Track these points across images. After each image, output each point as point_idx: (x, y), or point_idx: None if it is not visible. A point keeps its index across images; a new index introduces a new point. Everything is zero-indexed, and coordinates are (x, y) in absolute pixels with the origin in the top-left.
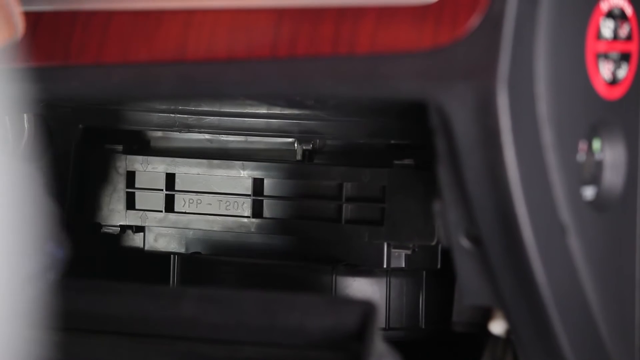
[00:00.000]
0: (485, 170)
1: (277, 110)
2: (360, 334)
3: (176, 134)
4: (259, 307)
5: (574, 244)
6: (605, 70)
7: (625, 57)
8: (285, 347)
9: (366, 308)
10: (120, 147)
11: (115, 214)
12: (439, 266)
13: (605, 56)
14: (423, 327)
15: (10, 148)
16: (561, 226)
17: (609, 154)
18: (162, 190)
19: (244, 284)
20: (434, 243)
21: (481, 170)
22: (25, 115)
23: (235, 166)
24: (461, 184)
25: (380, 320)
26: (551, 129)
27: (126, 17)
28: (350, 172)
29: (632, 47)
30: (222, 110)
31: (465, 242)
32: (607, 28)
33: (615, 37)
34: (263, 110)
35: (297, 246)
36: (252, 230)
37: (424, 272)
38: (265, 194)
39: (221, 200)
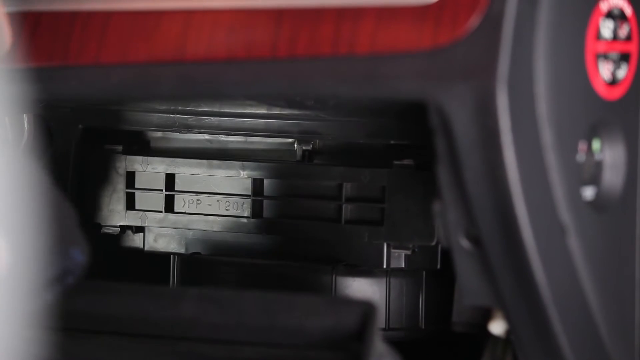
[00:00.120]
0: (485, 171)
1: (276, 111)
2: (360, 334)
3: (176, 134)
4: (259, 308)
5: (574, 244)
6: (605, 70)
7: (624, 57)
8: (285, 348)
9: (366, 308)
10: (120, 148)
11: (115, 215)
12: (438, 266)
13: (605, 56)
14: (423, 327)
15: (10, 148)
16: (561, 226)
17: (609, 154)
18: (161, 190)
19: (243, 284)
20: (433, 243)
21: (481, 171)
22: (25, 115)
23: (235, 166)
24: (461, 184)
25: (380, 320)
26: (551, 129)
27: (125, 17)
28: (350, 173)
29: (631, 48)
30: (221, 110)
31: (465, 243)
32: (606, 28)
33: (615, 37)
34: (263, 111)
35: (296, 246)
36: (252, 230)
37: (424, 273)
38: (265, 194)
39: (221, 201)
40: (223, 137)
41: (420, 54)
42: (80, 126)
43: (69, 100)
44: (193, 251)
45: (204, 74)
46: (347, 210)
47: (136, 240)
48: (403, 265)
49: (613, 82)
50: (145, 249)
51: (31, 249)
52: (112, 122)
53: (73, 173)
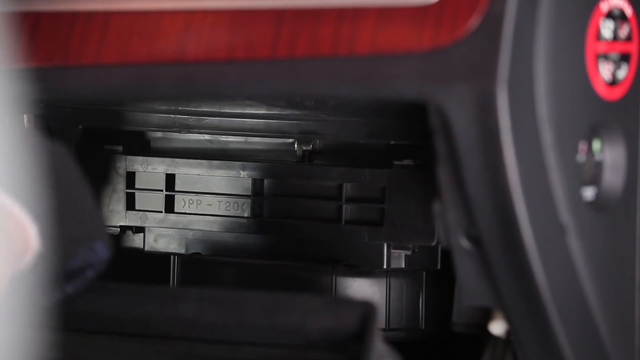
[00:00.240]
0: (485, 171)
1: (276, 111)
2: (360, 335)
3: (176, 135)
4: (259, 308)
5: (574, 244)
6: (605, 70)
7: (625, 57)
8: (285, 348)
9: (366, 309)
10: (120, 148)
11: (115, 215)
12: (438, 267)
13: (605, 57)
14: (423, 327)
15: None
16: (561, 227)
17: (609, 155)
18: (162, 190)
19: (243, 284)
20: (433, 243)
21: (481, 171)
22: (25, 115)
23: (235, 167)
24: (461, 185)
25: (380, 320)
26: (551, 130)
27: (126, 17)
28: (350, 173)
29: (632, 48)
30: (222, 110)
31: (465, 243)
32: (607, 29)
33: (615, 37)
34: (263, 111)
35: (297, 247)
36: (252, 230)
37: (424, 273)
38: (265, 194)
39: (221, 201)
40: (223, 138)
41: (420, 54)
42: (80, 126)
43: (69, 100)
44: (193, 251)
45: (204, 74)
46: (347, 210)
47: (136, 241)
48: (403, 266)
49: (613, 82)
50: (146, 249)
51: (56, 239)
52: (112, 122)
53: None
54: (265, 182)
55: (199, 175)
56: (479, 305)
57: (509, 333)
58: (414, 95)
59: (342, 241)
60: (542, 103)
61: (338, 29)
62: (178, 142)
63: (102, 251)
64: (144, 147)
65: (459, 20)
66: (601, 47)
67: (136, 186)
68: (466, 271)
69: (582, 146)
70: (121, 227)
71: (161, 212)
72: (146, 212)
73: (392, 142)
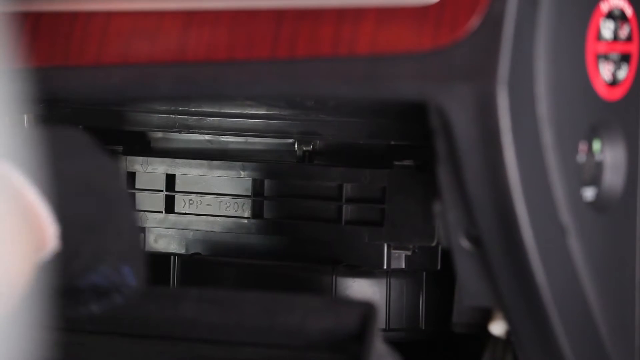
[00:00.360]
0: (485, 171)
1: (276, 111)
2: (360, 335)
3: (176, 135)
4: (259, 308)
5: (574, 244)
6: (606, 71)
7: (625, 58)
8: (285, 348)
9: (366, 309)
10: (120, 148)
11: None
12: (439, 267)
13: (606, 57)
14: (423, 328)
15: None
16: (561, 227)
17: (609, 155)
18: (162, 191)
19: (243, 284)
20: (434, 244)
21: (481, 171)
22: (25, 115)
23: (235, 167)
24: (461, 185)
25: (381, 321)
26: (551, 130)
27: (126, 17)
28: (350, 173)
29: (632, 48)
30: (222, 111)
31: (465, 243)
32: (607, 29)
33: (616, 38)
34: (263, 111)
35: (297, 247)
36: (252, 231)
37: (424, 273)
38: (265, 194)
39: (221, 201)
40: (223, 138)
41: (420, 54)
42: (80, 126)
43: (69, 100)
44: (193, 252)
45: (204, 74)
46: (347, 210)
47: None
48: (403, 266)
49: (613, 82)
50: (146, 249)
51: (80, 246)
52: (112, 123)
53: None
54: (266, 182)
55: (199, 175)
56: (479, 305)
57: (509, 333)
58: (414, 96)
59: (342, 241)
60: (543, 103)
61: (338, 29)
62: (178, 143)
63: (129, 277)
64: (144, 148)
65: (459, 21)
66: (601, 48)
67: (136, 186)
68: (466, 271)
69: (582, 146)
70: None
71: (161, 212)
72: (146, 213)
73: (393, 143)
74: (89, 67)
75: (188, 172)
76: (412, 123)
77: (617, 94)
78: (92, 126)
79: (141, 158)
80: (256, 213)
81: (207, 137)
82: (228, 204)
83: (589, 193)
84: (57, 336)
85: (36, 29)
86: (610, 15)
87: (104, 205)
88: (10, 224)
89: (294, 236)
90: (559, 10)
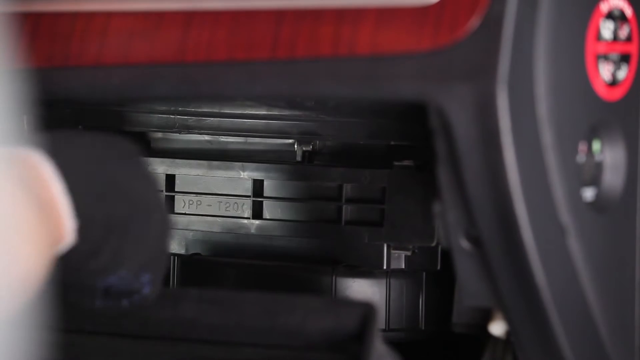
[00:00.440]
0: (485, 172)
1: (276, 112)
2: (360, 335)
3: (176, 135)
4: (259, 309)
5: (574, 245)
6: (605, 71)
7: (625, 58)
8: (285, 349)
9: (366, 309)
10: None
11: None
12: (438, 267)
13: (605, 57)
14: (423, 328)
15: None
16: (561, 227)
17: (609, 155)
18: (162, 191)
19: (243, 285)
20: (433, 244)
21: (481, 171)
22: (25, 115)
23: (235, 167)
24: (461, 185)
25: (380, 321)
26: (551, 130)
27: (126, 18)
28: (350, 173)
29: (632, 49)
30: (222, 111)
31: (465, 243)
32: (607, 29)
33: (615, 38)
34: (263, 112)
35: (297, 247)
36: (252, 231)
37: (424, 273)
38: (265, 195)
39: (221, 202)
40: (223, 138)
41: (420, 55)
42: (80, 126)
43: (69, 100)
44: (193, 252)
45: (204, 74)
46: (347, 211)
47: None
48: (403, 266)
49: (613, 83)
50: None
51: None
52: (112, 123)
53: None
54: (265, 182)
55: (199, 175)
56: (479, 305)
57: (508, 333)
58: (414, 96)
59: (342, 242)
60: (542, 103)
61: (338, 30)
62: (178, 143)
63: (146, 285)
64: (144, 148)
65: (459, 21)
66: (601, 48)
67: None
68: (466, 272)
69: (582, 147)
70: None
71: None
72: None
73: (392, 143)
74: (89, 67)
75: (188, 173)
76: (412, 123)
77: (616, 94)
78: (92, 126)
79: None
80: (256, 213)
81: (207, 137)
82: (228, 204)
83: (588, 193)
84: (58, 336)
85: (36, 30)
86: (610, 15)
87: (130, 209)
88: (31, 212)
89: (293, 236)
90: (558, 10)
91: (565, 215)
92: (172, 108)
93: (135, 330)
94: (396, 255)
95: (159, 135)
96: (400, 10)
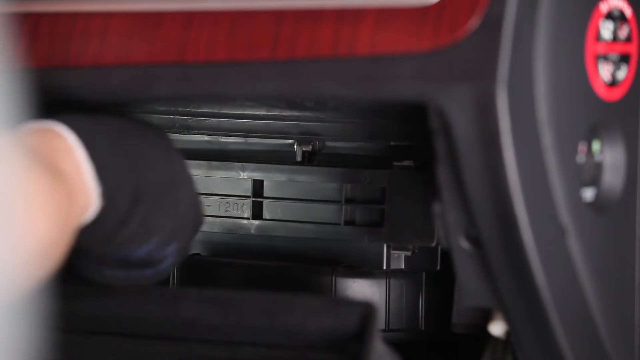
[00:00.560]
0: (485, 172)
1: (276, 112)
2: (360, 336)
3: (176, 136)
4: (259, 308)
5: (574, 245)
6: (605, 71)
7: (624, 58)
8: (285, 349)
9: (366, 309)
10: None
11: None
12: (438, 268)
13: (605, 58)
14: (423, 328)
15: None
16: (561, 228)
17: (609, 156)
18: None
19: (243, 285)
20: (433, 244)
21: (481, 172)
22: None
23: (235, 167)
24: (461, 186)
25: (380, 321)
26: (551, 131)
27: (126, 18)
28: (350, 174)
29: (631, 49)
30: (221, 111)
31: (464, 244)
32: (606, 29)
33: (615, 38)
34: (263, 112)
35: (296, 247)
36: (252, 231)
37: (424, 274)
38: (265, 195)
39: (221, 202)
40: (223, 138)
41: (420, 55)
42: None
43: (69, 101)
44: (193, 252)
45: (204, 75)
46: (347, 211)
47: None
48: (403, 267)
49: (613, 83)
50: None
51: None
52: None
53: None
54: (265, 183)
55: (198, 176)
56: (479, 306)
57: (508, 334)
58: (413, 96)
59: (342, 242)
60: (542, 104)
61: (338, 30)
62: (178, 143)
63: (171, 255)
64: None
65: (459, 21)
66: (601, 48)
67: None
68: (466, 272)
69: (582, 147)
70: None
71: None
72: None
73: (392, 143)
74: (89, 68)
75: None
76: (412, 123)
77: (616, 94)
78: None
79: None
80: (256, 214)
81: (206, 137)
82: (228, 205)
83: (588, 194)
84: (57, 336)
85: (36, 30)
86: (609, 15)
87: (157, 178)
88: (45, 181)
89: (293, 237)
90: (558, 10)
91: (565, 216)
92: (172, 108)
93: (135, 330)
94: (396, 255)
95: None
96: (400, 10)
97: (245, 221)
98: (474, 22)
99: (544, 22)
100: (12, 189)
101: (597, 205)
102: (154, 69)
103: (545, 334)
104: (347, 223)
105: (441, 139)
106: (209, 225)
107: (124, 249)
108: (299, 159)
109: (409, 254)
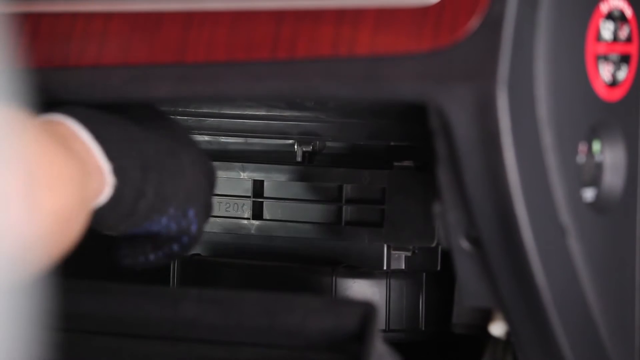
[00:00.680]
0: (485, 172)
1: (276, 112)
2: (360, 336)
3: None
4: (259, 309)
5: (574, 245)
6: (605, 72)
7: (625, 58)
8: (285, 349)
9: (366, 309)
10: None
11: None
12: (438, 268)
13: (605, 58)
14: (423, 328)
15: None
16: (561, 228)
17: (609, 156)
18: None
19: (243, 285)
20: (433, 245)
21: (481, 172)
22: None
23: (235, 168)
24: (461, 186)
25: (380, 321)
26: (551, 131)
27: (126, 18)
28: (350, 174)
29: (632, 49)
30: (222, 111)
31: (465, 244)
32: (607, 30)
33: (615, 38)
34: (263, 112)
35: (297, 248)
36: (252, 231)
37: (424, 274)
38: (265, 195)
39: (221, 202)
40: (223, 139)
41: (420, 55)
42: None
43: (69, 101)
44: (193, 252)
45: (204, 75)
46: (347, 211)
47: None
48: (403, 267)
49: (613, 83)
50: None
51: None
52: None
53: None
54: (265, 183)
55: None
56: (479, 306)
57: (509, 334)
58: (414, 96)
59: (342, 242)
60: (542, 104)
61: (338, 30)
62: None
63: (193, 222)
64: None
65: (459, 22)
66: (601, 49)
67: None
68: (466, 272)
69: (582, 147)
70: None
71: None
72: None
73: (392, 143)
74: (89, 68)
75: None
76: (412, 123)
77: (616, 94)
78: None
79: None
80: (256, 214)
81: (206, 137)
82: (228, 205)
83: (588, 194)
84: (57, 336)
85: (36, 30)
86: (609, 16)
87: (160, 145)
88: (73, 156)
89: (293, 237)
90: (558, 11)
91: (565, 216)
92: (172, 109)
93: (135, 330)
94: (396, 255)
95: None
96: (400, 10)
97: (245, 221)
98: (474, 23)
99: (544, 23)
100: (32, 158)
101: (598, 205)
102: (154, 69)
103: (545, 334)
104: (347, 223)
105: (441, 139)
106: (209, 226)
107: (145, 223)
108: (299, 159)
109: (409, 254)
